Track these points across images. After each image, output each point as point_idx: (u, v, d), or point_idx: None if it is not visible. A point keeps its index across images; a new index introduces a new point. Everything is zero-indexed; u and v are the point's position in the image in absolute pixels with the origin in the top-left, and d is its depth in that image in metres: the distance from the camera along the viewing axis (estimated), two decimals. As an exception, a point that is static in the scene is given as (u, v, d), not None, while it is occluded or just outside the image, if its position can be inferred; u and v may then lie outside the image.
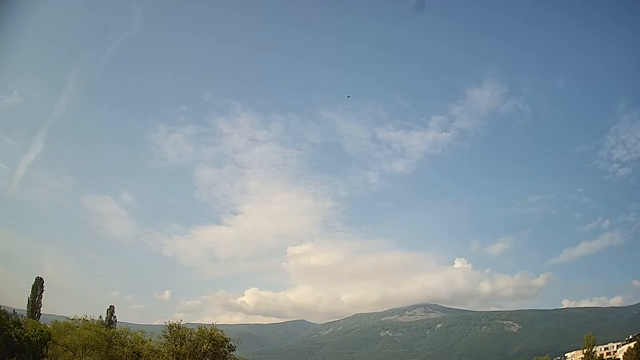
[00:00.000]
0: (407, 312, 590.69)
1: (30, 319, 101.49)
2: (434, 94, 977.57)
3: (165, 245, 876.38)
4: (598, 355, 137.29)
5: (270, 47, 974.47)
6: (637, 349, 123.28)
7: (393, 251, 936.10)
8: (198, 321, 57.51)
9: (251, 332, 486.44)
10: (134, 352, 54.16)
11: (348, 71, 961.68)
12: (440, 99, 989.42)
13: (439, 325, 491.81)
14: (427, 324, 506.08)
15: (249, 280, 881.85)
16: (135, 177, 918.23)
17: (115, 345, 55.31)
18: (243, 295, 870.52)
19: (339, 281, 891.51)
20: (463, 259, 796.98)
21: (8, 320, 68.89)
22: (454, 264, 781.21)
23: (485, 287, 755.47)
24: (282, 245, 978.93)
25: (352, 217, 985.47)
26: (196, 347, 51.89)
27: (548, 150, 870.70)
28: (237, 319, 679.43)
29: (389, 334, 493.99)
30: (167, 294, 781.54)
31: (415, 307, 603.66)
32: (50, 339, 61.02)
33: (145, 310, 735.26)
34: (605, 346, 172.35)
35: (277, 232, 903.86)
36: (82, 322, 59.33)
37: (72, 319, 61.45)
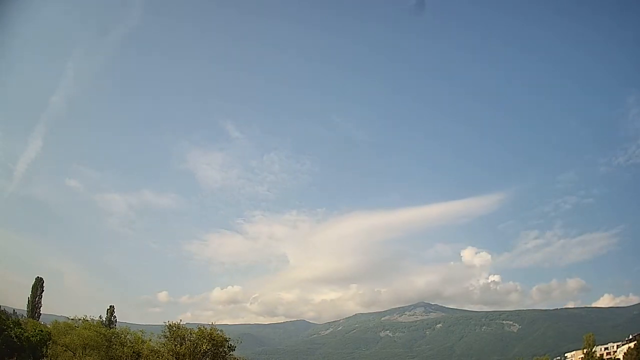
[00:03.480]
0: (407, 312, 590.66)
1: (30, 319, 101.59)
2: (441, 98, 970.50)
3: (169, 247, 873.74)
4: (598, 355, 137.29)
5: (277, 49, 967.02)
6: (637, 349, 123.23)
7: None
8: (201, 321, 57.46)
9: (251, 332, 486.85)
10: (133, 352, 54.22)
11: (357, 76, 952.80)
12: (447, 103, 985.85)
13: (439, 325, 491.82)
14: (427, 324, 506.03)
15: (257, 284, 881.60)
16: (137, 178, 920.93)
17: (115, 345, 55.40)
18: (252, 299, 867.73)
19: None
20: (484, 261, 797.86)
21: (8, 320, 68.93)
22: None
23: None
24: (290, 252, 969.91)
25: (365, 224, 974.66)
26: (196, 347, 51.93)
27: (549, 151, 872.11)
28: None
29: (389, 334, 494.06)
30: (168, 295, 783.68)
31: (415, 307, 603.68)
32: (50, 339, 61.13)
33: (146, 311, 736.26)
34: (605, 346, 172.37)
35: (286, 239, 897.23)
36: (82, 322, 59.49)
37: (72, 319, 61.65)
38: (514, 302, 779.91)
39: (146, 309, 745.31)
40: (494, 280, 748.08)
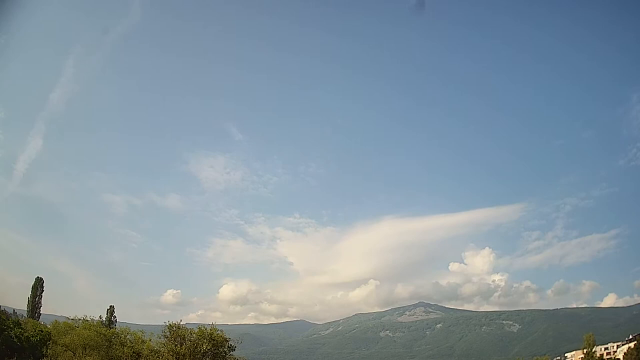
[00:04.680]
0: (407, 312, 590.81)
1: (30, 319, 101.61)
2: (442, 98, 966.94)
3: (172, 249, 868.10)
4: (598, 355, 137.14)
5: (280, 49, 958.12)
6: (637, 349, 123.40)
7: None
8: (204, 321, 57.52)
9: (251, 332, 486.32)
10: (133, 352, 54.19)
11: (361, 76, 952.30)
12: (447, 103, 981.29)
13: (439, 325, 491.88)
14: (427, 324, 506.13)
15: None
16: (139, 179, 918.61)
17: (115, 345, 55.44)
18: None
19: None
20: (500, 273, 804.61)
21: (8, 320, 68.77)
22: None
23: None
24: (293, 254, 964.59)
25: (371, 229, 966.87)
26: (196, 347, 51.91)
27: (550, 154, 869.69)
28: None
29: (389, 334, 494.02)
30: (171, 296, 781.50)
31: (415, 307, 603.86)
32: (50, 339, 61.02)
33: (148, 312, 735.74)
34: (605, 346, 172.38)
35: (289, 241, 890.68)
36: (82, 322, 59.53)
37: (72, 319, 61.67)
38: (527, 302, 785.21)
39: (149, 310, 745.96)
40: (510, 283, 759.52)
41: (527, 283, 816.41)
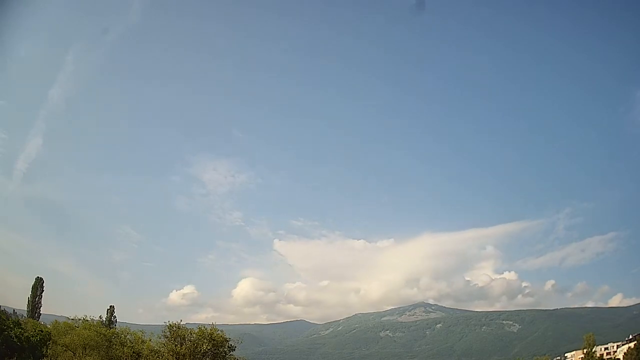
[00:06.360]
0: (407, 312, 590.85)
1: (30, 319, 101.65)
2: (442, 99, 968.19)
3: (174, 250, 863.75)
4: (598, 355, 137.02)
5: (283, 49, 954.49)
6: (637, 349, 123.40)
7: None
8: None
9: (251, 332, 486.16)
10: (133, 352, 54.21)
11: (370, 78, 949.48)
12: (448, 105, 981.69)
13: (439, 325, 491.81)
14: (427, 324, 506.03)
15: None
16: (140, 179, 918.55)
17: (115, 345, 55.43)
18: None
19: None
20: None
21: (8, 320, 68.72)
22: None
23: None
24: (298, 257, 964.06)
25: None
26: (196, 347, 51.94)
27: (552, 157, 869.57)
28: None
29: (389, 334, 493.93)
30: (174, 297, 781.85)
31: (415, 307, 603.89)
32: (50, 339, 61.01)
33: (150, 313, 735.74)
34: (605, 346, 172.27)
35: (293, 244, 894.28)
36: (82, 322, 59.55)
37: (72, 319, 61.68)
38: (551, 303, 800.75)
39: (150, 311, 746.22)
40: (539, 284, 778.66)
41: (551, 282, 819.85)
